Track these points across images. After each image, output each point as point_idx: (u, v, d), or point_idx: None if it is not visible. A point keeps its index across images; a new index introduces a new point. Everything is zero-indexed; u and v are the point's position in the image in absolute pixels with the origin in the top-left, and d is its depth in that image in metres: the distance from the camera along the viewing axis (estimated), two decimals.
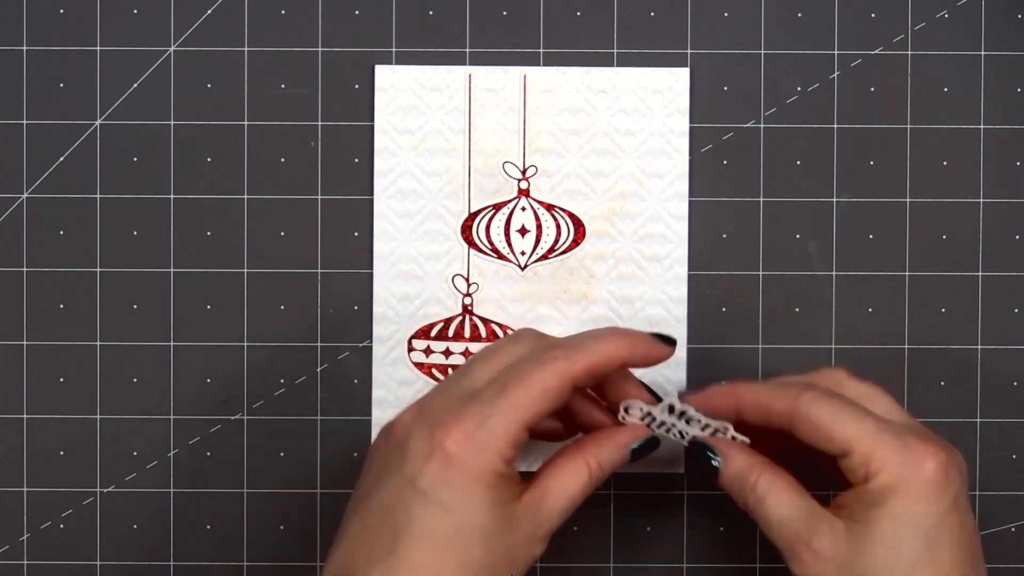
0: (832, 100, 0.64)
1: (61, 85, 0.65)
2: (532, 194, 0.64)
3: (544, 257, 0.64)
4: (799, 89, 0.64)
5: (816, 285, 0.65)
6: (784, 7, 0.64)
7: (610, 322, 0.64)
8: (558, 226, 0.64)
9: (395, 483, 0.54)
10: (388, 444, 0.55)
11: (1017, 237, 0.64)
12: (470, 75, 0.64)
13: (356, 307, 0.64)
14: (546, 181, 0.64)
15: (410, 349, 0.64)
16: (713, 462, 0.57)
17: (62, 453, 0.65)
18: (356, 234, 0.64)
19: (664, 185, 0.64)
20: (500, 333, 0.64)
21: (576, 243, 0.64)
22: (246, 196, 0.65)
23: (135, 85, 0.65)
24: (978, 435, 0.65)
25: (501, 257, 0.64)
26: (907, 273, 0.64)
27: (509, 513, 0.54)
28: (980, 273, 0.64)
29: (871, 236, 0.64)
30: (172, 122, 0.65)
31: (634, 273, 0.64)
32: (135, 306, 0.65)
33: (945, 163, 0.64)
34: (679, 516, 0.65)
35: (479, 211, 0.64)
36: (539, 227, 0.64)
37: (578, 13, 0.64)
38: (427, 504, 0.53)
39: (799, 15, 0.64)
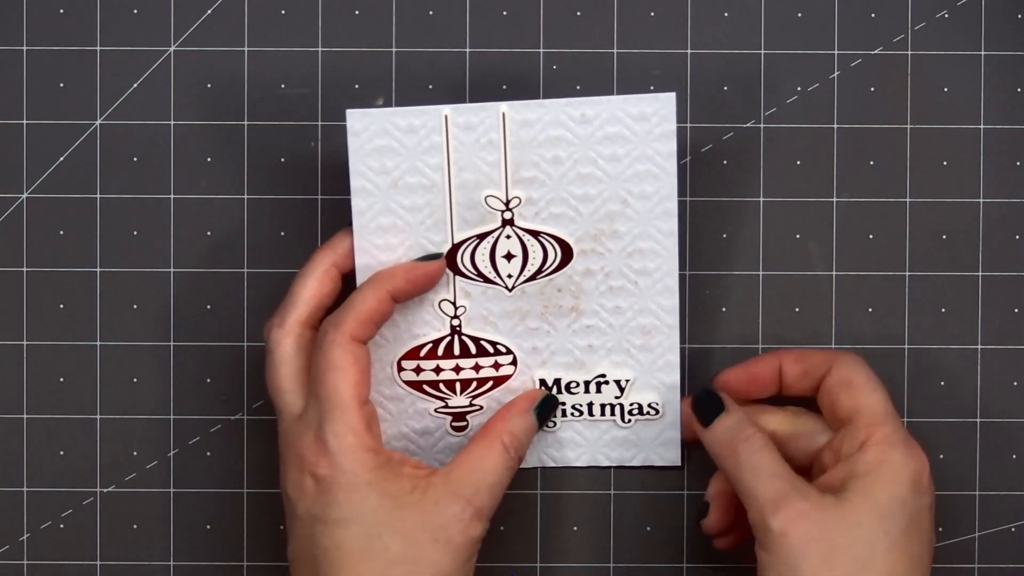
0: (832, 100, 0.64)
1: (61, 85, 0.65)
2: (517, 222, 0.61)
3: (532, 278, 0.62)
4: (799, 89, 0.64)
5: (816, 285, 0.65)
6: (784, 7, 0.64)
7: (601, 332, 0.62)
8: (544, 250, 0.61)
9: (299, 529, 0.58)
10: (286, 508, 0.59)
11: (1017, 237, 0.64)
12: (446, 115, 0.60)
13: None
14: (530, 208, 0.61)
15: (400, 370, 0.63)
16: (723, 403, 0.60)
17: (62, 453, 0.65)
18: None
19: (652, 205, 0.61)
20: (490, 349, 0.62)
21: (564, 263, 0.62)
22: (246, 196, 0.65)
23: (135, 85, 0.65)
24: (978, 435, 0.65)
25: (487, 281, 0.62)
26: (907, 273, 0.64)
27: (414, 498, 0.57)
28: (980, 273, 0.64)
29: (871, 236, 0.64)
30: (172, 122, 0.65)
31: (623, 286, 0.62)
32: (135, 306, 0.65)
33: (945, 163, 0.64)
34: (679, 516, 0.65)
35: (463, 241, 0.61)
36: (525, 252, 0.61)
37: (578, 13, 0.64)
38: (328, 530, 0.57)
39: (799, 15, 0.64)
